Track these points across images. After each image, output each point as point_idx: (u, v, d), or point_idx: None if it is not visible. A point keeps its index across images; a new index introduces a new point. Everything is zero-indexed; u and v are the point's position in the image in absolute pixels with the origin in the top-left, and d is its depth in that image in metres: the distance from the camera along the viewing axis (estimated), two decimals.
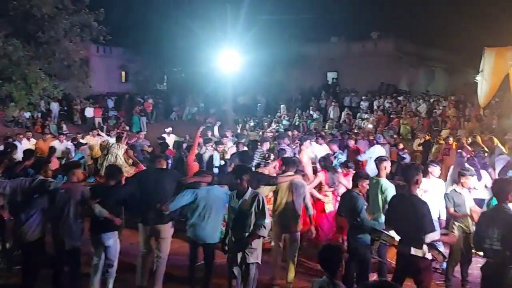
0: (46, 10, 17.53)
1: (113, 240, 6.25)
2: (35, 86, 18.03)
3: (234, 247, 5.79)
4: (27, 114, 22.29)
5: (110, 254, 6.25)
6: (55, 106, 24.46)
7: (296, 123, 24.38)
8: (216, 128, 16.85)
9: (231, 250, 5.87)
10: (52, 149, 11.57)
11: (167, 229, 6.55)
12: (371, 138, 14.65)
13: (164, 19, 28.11)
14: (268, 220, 5.70)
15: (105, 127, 23.74)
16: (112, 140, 12.13)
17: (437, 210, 7.17)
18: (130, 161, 10.21)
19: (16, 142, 13.29)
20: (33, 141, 14.53)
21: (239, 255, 5.71)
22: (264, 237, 5.79)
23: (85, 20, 19.00)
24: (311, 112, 25.54)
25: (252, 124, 25.37)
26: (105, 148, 11.37)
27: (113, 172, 6.52)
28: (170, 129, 16.64)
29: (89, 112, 24.68)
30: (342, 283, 3.99)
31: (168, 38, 28.83)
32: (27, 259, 6.22)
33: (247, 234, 5.61)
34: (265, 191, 7.24)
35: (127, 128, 24.50)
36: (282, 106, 27.44)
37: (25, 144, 14.18)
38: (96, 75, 26.24)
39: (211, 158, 10.71)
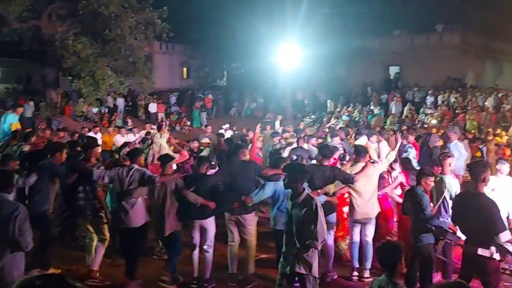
0: (113, 9, 18.10)
1: (211, 224, 6.74)
2: (102, 82, 18.73)
3: (285, 253, 5.38)
4: (95, 110, 23.12)
5: (209, 236, 6.74)
6: (121, 102, 25.28)
7: (356, 119, 24.05)
8: (277, 123, 16.78)
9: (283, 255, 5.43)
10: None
11: (251, 218, 6.86)
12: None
13: (224, 15, 28.40)
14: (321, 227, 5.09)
15: (167, 122, 24.35)
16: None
17: (506, 209, 6.89)
18: (172, 147, 10.51)
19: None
20: (99, 135, 15.09)
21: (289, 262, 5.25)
22: (316, 249, 5.18)
23: (149, 18, 19.57)
24: (371, 107, 25.14)
25: (309, 120, 25.24)
26: (149, 139, 11.79)
27: (201, 161, 7.11)
28: (227, 125, 16.85)
29: (152, 107, 25.36)
30: (402, 282, 3.94)
31: (228, 34, 29.19)
32: (129, 244, 6.67)
33: (296, 241, 5.17)
34: (331, 188, 7.22)
35: (188, 123, 25.07)
36: (341, 99, 27.25)
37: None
38: (159, 72, 26.92)
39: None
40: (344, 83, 30.63)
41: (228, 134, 15.36)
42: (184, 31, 28.50)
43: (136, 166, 6.63)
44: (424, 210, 6.01)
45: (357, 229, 7.17)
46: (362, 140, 11.38)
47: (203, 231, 6.73)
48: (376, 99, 26.34)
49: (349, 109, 25.32)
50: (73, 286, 1.88)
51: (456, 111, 21.64)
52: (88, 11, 18.29)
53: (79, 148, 8.47)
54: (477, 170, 5.45)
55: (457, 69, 29.09)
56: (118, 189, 6.58)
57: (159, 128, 11.55)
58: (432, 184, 6.40)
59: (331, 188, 7.22)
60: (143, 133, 14.65)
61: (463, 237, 5.63)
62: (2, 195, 4.55)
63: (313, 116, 26.32)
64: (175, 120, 25.10)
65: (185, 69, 36.78)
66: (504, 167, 7.58)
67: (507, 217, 6.99)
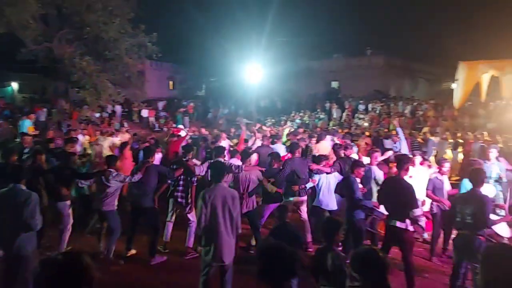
0: (112, 34, 17.83)
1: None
2: (103, 92, 18.40)
3: None
4: (97, 114, 22.67)
5: (301, 205, 7.01)
6: (118, 108, 24.77)
7: (306, 122, 24.24)
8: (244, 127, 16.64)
9: None
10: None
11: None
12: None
13: (204, 39, 28.51)
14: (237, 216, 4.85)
15: (156, 124, 24.00)
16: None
17: (420, 192, 7.07)
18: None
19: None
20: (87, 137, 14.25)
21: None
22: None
23: (141, 41, 19.30)
24: (318, 113, 25.38)
25: (270, 123, 25.29)
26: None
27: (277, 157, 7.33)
28: (182, 126, 16.57)
29: (144, 113, 24.95)
30: (339, 249, 3.96)
31: (206, 55, 29.13)
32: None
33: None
34: None
35: (174, 125, 24.76)
36: (293, 107, 27.45)
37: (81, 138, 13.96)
38: (149, 84, 26.63)
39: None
40: (296, 94, 30.84)
41: (183, 133, 14.64)
42: (171, 52, 28.20)
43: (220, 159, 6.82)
44: (356, 193, 6.10)
45: None
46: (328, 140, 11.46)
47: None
48: (321, 106, 26.62)
49: (300, 114, 25.49)
50: (85, 263, 1.86)
51: (382, 116, 21.96)
52: (91, 36, 17.94)
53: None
54: (402, 161, 5.63)
55: (383, 84, 29.69)
56: None
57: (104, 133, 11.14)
58: (363, 173, 6.53)
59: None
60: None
61: (386, 213, 5.74)
62: (17, 186, 4.42)
63: (272, 120, 26.37)
64: (163, 123, 24.73)
65: (171, 82, 36.35)
66: (417, 159, 7.79)
67: (421, 198, 7.20)
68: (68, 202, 6.51)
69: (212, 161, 6.67)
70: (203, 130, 14.66)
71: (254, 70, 23.73)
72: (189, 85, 35.46)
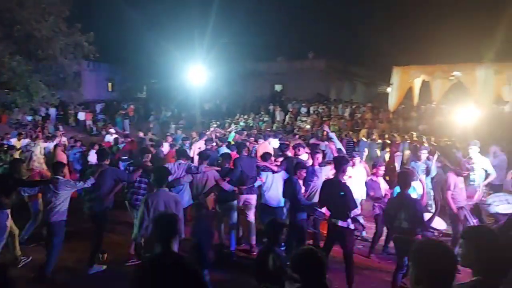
0: (45, 33, 16.91)
1: (236, 205, 7.15)
2: (36, 94, 17.39)
3: None
4: (29, 118, 21.43)
5: (233, 216, 7.12)
6: (53, 111, 23.64)
7: (250, 124, 24.43)
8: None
9: None
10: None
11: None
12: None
13: (143, 40, 27.83)
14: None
15: (94, 128, 23.14)
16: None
17: (359, 191, 7.39)
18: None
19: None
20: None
21: None
22: None
23: (77, 41, 18.44)
24: (262, 115, 25.67)
25: (215, 125, 25.22)
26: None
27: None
28: (113, 130, 16.61)
29: (81, 115, 24.01)
30: (280, 250, 4.00)
31: (147, 56, 28.48)
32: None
33: None
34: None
35: (112, 128, 24.05)
36: (238, 109, 27.58)
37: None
38: (87, 86, 25.63)
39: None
40: (240, 96, 30.99)
41: (111, 138, 14.25)
42: (110, 52, 27.25)
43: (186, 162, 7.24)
44: (298, 194, 6.22)
45: None
46: (275, 142, 11.64)
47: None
48: (265, 109, 26.95)
49: (245, 116, 25.64)
50: (6, 277, 1.78)
51: (323, 119, 22.48)
52: (22, 34, 16.86)
53: None
54: (341, 163, 5.80)
55: (324, 87, 30.59)
56: None
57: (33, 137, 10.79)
58: (304, 174, 6.71)
59: None
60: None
61: (328, 213, 5.94)
62: None
63: (218, 122, 26.28)
64: (101, 126, 23.87)
65: (110, 83, 35.01)
66: (356, 160, 8.14)
67: (360, 198, 7.54)
68: (8, 211, 6.05)
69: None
70: (140, 134, 14.37)
71: (197, 71, 23.55)
72: (129, 86, 34.40)
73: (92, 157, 11.28)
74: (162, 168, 5.44)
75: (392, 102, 17.32)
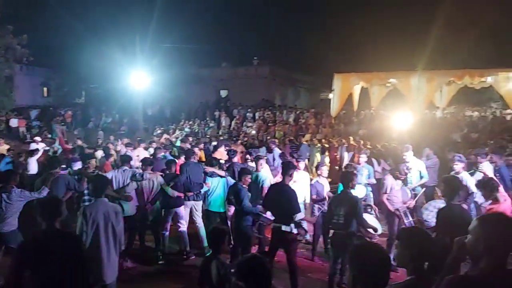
0: None
1: (182, 210, 7.16)
2: None
3: None
4: None
5: (181, 219, 7.13)
6: None
7: (196, 130, 24.21)
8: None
9: None
10: None
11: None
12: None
13: (82, 43, 26.75)
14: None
15: (28, 135, 21.82)
16: None
17: (303, 195, 7.54)
18: None
19: None
20: None
21: None
22: None
23: (9, 43, 17.40)
24: (207, 121, 25.54)
25: (159, 131, 24.71)
26: None
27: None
28: (39, 138, 15.57)
29: (13, 122, 22.48)
30: (224, 258, 3.99)
31: (85, 60, 27.34)
32: None
33: None
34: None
35: (49, 135, 22.77)
36: (183, 115, 27.25)
37: None
38: (20, 91, 24.15)
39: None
40: (185, 101, 30.66)
41: (41, 145, 13.61)
42: (45, 56, 25.95)
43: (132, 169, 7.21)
44: (243, 200, 6.23)
45: None
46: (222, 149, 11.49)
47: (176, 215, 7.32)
48: (210, 114, 26.84)
49: (190, 122, 25.37)
50: None
51: (269, 124, 22.76)
52: None
53: None
54: (288, 167, 5.93)
55: (269, 93, 31.08)
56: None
57: None
58: (249, 180, 6.74)
59: None
60: None
61: (272, 218, 5.99)
62: None
63: (162, 128, 25.77)
64: (36, 133, 22.52)
65: (45, 88, 33.37)
66: (301, 164, 8.29)
67: (304, 201, 7.68)
68: None
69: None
70: (79, 141, 13.69)
71: (140, 76, 22.97)
72: (66, 92, 32.88)
73: (33, 166, 10.76)
74: (100, 177, 5.24)
75: (334, 107, 17.89)
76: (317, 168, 7.76)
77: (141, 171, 7.11)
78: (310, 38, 34.36)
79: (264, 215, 6.36)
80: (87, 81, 32.53)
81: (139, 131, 21.66)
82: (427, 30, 21.18)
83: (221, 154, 9.82)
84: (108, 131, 22.81)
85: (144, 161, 7.45)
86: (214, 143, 12.23)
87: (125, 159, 7.34)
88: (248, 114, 25.85)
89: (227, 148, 10.10)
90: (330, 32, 36.14)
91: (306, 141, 15.15)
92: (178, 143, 13.39)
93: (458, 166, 7.07)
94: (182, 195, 7.14)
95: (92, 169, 7.41)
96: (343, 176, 5.91)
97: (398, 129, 14.20)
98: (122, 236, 4.62)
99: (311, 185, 7.48)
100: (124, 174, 6.81)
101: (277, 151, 10.76)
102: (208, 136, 20.69)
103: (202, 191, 7.38)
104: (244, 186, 6.41)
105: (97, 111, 28.22)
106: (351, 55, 29.80)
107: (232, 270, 3.24)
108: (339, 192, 6.74)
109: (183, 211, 7.25)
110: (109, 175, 6.70)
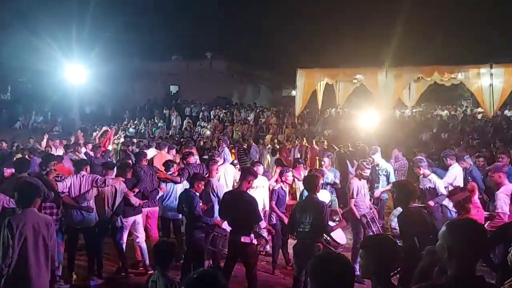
0: None
1: (139, 219, 7.08)
2: None
3: None
4: None
5: (138, 228, 7.06)
6: None
7: (142, 131, 23.78)
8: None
9: None
10: None
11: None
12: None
13: (7, 30, 25.50)
14: None
15: None
16: None
17: (262, 201, 7.54)
18: None
19: None
20: None
21: None
22: None
23: None
24: (155, 120, 25.16)
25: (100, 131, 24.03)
26: None
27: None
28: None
29: None
30: (171, 275, 3.88)
31: (11, 51, 26.16)
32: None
33: None
34: None
35: None
36: (127, 113, 26.72)
37: None
38: None
39: None
40: (129, 98, 30.03)
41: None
42: None
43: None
44: (195, 209, 6.13)
45: None
46: (151, 151, 11.25)
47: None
48: (159, 113, 26.46)
49: (135, 122, 24.90)
50: None
51: (226, 124, 22.79)
52: None
53: None
54: (246, 173, 5.92)
55: (225, 90, 31.05)
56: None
57: None
58: (203, 187, 6.66)
59: None
60: None
61: (228, 229, 5.96)
62: None
63: (104, 128, 25.04)
64: None
65: None
66: (260, 168, 8.31)
67: (263, 208, 7.71)
68: None
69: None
70: (3, 144, 12.86)
71: (76, 69, 22.28)
72: None
73: None
74: (27, 184, 5.03)
75: (298, 106, 18.17)
76: (281, 173, 7.73)
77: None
78: (271, 31, 34.65)
79: (219, 225, 6.33)
80: (14, 75, 31.14)
81: (75, 131, 20.94)
82: (395, 25, 22.00)
83: (164, 158, 9.67)
84: (38, 131, 21.91)
85: (106, 165, 7.44)
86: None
87: (82, 163, 7.17)
88: (202, 112, 25.72)
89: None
90: (293, 25, 36.65)
91: (269, 142, 15.30)
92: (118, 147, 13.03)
93: (421, 171, 7.33)
94: (142, 202, 7.15)
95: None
96: (307, 181, 5.94)
97: (366, 129, 14.59)
98: (55, 252, 4.49)
99: (273, 190, 7.50)
100: (83, 179, 6.61)
101: (226, 151, 10.92)
102: (152, 137, 20.42)
103: (157, 196, 7.44)
104: (196, 193, 6.33)
105: (26, 109, 27.12)
106: (315, 50, 30.35)
107: None
108: (302, 198, 6.85)
109: (141, 219, 7.16)
110: (67, 181, 6.51)
